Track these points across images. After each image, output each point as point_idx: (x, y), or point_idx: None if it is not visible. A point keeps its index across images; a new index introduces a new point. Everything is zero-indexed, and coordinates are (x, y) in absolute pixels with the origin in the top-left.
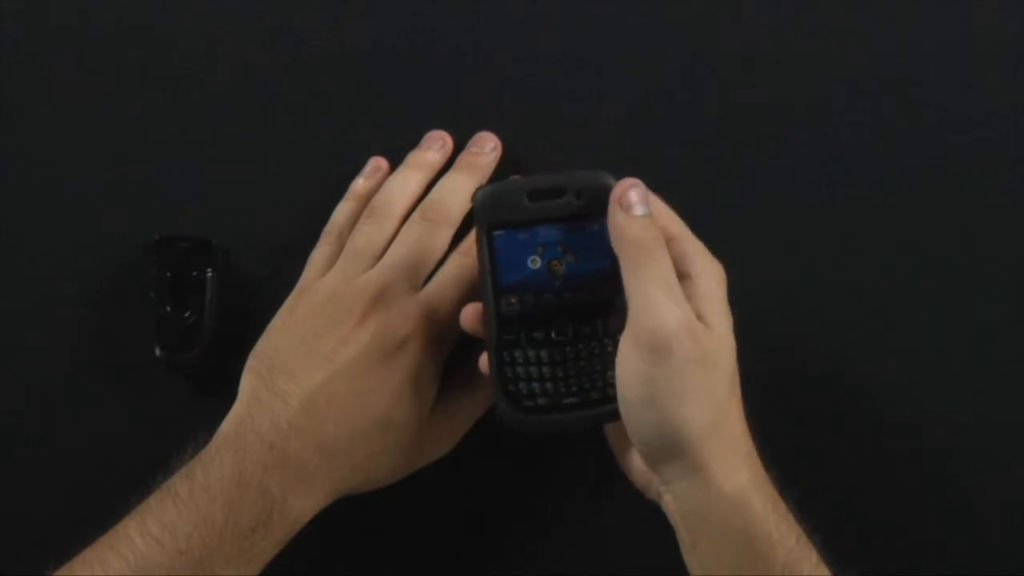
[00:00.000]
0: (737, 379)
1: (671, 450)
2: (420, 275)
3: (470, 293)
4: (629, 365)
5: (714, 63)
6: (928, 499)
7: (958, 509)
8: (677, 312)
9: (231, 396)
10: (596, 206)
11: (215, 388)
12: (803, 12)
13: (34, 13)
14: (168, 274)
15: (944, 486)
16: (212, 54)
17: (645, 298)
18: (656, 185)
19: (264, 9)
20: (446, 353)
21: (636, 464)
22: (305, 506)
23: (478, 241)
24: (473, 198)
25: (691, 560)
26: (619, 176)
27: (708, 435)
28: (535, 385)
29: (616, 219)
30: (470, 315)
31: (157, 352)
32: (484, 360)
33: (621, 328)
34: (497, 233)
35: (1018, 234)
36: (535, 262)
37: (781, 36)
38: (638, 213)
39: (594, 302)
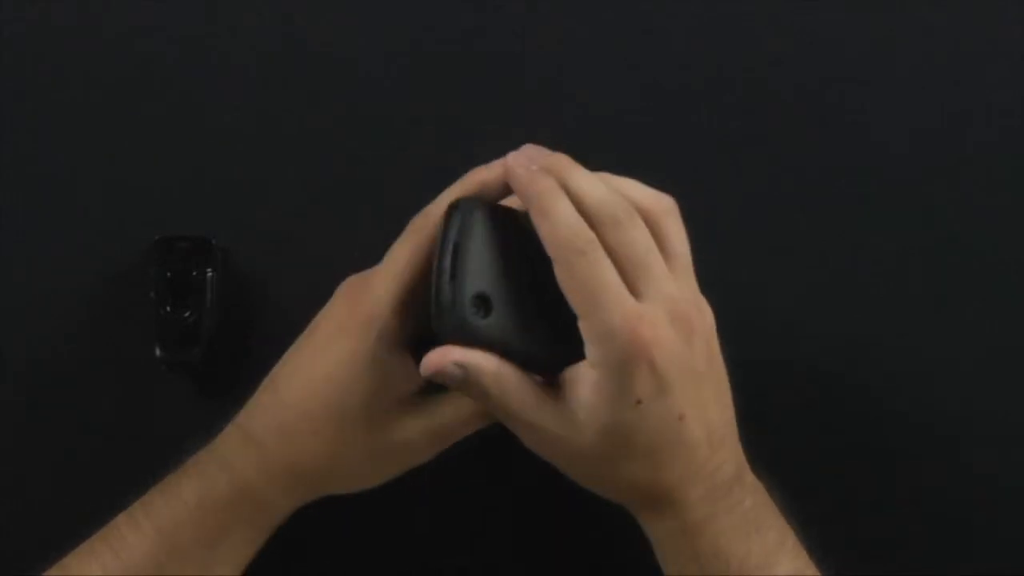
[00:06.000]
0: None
1: (643, 502)
2: (398, 261)
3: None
4: (592, 405)
5: (714, 63)
6: (928, 499)
7: (957, 509)
8: (633, 310)
9: (231, 396)
10: None
11: (215, 388)
12: (803, 12)
13: (34, 13)
14: (168, 274)
15: (944, 486)
16: (212, 54)
17: (593, 308)
18: (657, 185)
19: (265, 10)
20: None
21: None
22: (273, 492)
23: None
24: (454, 207)
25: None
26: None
27: (689, 480)
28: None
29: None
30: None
31: (157, 352)
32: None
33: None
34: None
35: (1018, 234)
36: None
37: (781, 36)
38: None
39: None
